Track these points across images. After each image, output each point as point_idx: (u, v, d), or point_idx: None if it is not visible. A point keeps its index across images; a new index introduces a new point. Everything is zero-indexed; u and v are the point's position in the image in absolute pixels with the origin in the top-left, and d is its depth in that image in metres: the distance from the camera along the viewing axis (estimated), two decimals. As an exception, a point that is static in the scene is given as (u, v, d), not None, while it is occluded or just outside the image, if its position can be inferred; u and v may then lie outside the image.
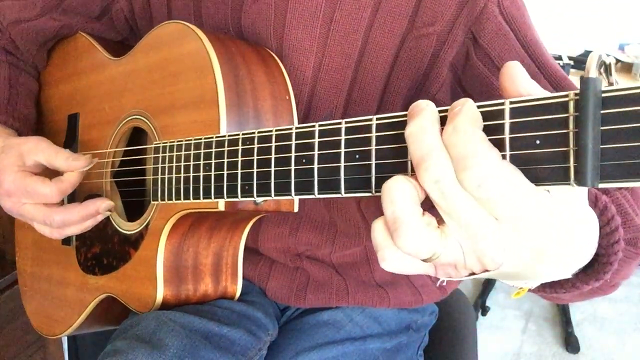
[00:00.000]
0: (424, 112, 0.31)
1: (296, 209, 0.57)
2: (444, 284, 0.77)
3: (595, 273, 0.39)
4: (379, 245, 0.32)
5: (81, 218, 0.62)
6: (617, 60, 2.10)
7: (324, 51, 0.61)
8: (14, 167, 0.61)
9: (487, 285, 1.96)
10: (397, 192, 0.30)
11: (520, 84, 0.30)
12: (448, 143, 0.29)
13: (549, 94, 0.29)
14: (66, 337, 1.03)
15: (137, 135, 0.72)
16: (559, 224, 0.29)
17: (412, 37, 0.59)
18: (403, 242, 0.29)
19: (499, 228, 0.29)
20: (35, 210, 0.61)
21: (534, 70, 0.55)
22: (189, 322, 0.59)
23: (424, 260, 0.31)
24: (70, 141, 0.75)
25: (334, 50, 0.60)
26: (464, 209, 0.29)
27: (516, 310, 1.96)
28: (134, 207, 0.73)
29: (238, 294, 0.66)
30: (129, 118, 0.64)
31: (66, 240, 0.74)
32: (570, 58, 2.05)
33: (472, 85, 0.58)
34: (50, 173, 0.62)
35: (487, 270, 0.32)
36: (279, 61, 0.60)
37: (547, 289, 0.41)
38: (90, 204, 0.62)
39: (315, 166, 0.40)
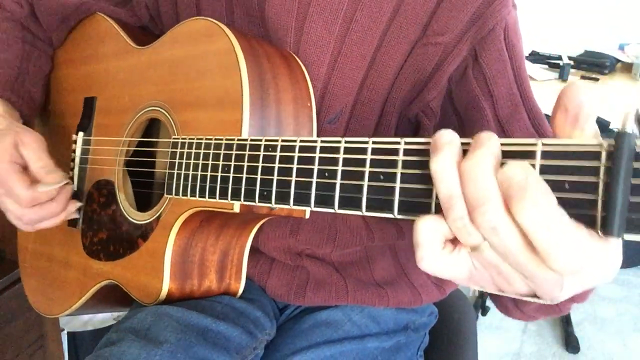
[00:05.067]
0: (446, 148, 0.32)
1: (307, 215, 0.58)
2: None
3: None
4: (420, 244, 0.33)
5: (52, 215, 0.65)
6: (617, 60, 2.10)
7: (341, 49, 0.61)
8: (7, 155, 0.62)
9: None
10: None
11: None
12: (465, 177, 0.31)
13: (582, 141, 0.29)
14: (66, 337, 1.03)
15: (152, 127, 0.72)
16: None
17: (421, 44, 0.60)
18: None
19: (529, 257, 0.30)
20: (10, 205, 0.64)
21: (517, 100, 0.58)
22: (186, 317, 0.59)
23: (472, 249, 0.32)
24: (85, 124, 0.75)
25: (350, 49, 0.61)
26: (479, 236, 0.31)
27: (516, 310, 1.99)
28: (144, 197, 0.73)
29: (240, 292, 0.66)
30: (148, 109, 0.64)
31: (72, 222, 0.74)
32: (570, 58, 2.05)
33: (460, 100, 0.60)
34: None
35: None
36: (303, 67, 0.60)
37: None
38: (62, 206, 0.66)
39: (338, 181, 0.40)
